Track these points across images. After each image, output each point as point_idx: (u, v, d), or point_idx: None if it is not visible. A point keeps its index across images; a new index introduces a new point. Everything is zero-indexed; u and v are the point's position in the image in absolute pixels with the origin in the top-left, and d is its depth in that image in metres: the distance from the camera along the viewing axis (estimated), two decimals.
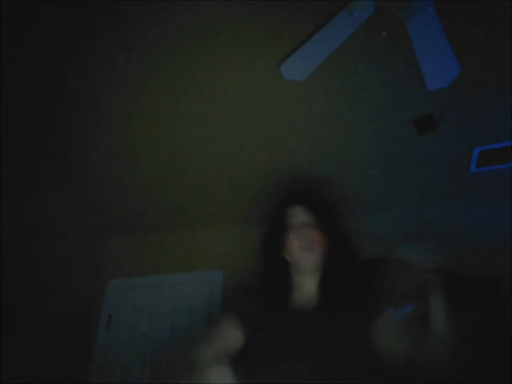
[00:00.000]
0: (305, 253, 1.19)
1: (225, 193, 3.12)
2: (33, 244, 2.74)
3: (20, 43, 2.05)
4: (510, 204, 2.99)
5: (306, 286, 1.19)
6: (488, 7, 1.84)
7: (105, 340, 3.15)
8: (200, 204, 3.25)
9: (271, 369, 1.00)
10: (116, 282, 3.37)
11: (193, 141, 2.68)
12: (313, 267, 1.19)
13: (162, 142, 2.69)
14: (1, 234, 2.43)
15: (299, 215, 1.26)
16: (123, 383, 2.95)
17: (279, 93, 2.33)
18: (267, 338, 1.06)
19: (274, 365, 1.00)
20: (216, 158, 2.81)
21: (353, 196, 3.13)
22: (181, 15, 1.94)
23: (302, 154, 2.77)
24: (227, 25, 1.98)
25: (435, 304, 1.10)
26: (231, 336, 1.13)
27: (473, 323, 2.55)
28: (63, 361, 2.83)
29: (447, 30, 1.76)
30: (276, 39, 2.03)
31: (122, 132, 2.62)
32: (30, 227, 2.72)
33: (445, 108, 2.37)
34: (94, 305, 3.27)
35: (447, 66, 1.92)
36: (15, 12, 1.89)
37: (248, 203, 3.15)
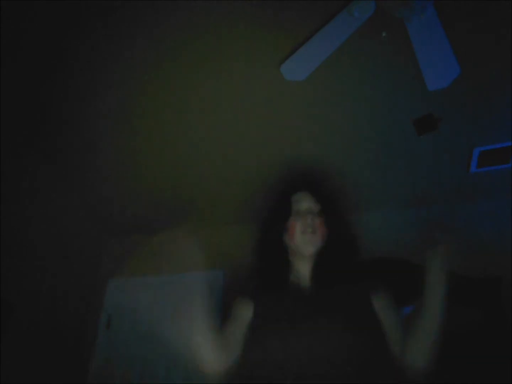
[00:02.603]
0: (307, 237, 1.24)
1: (226, 193, 3.12)
2: (33, 244, 2.74)
3: (20, 43, 2.05)
4: (510, 204, 2.99)
5: (302, 270, 1.25)
6: (488, 8, 1.84)
7: (105, 340, 3.14)
8: (200, 204, 3.25)
9: (275, 340, 1.06)
10: (116, 282, 3.37)
11: (193, 141, 2.68)
12: (312, 252, 1.24)
13: (162, 142, 2.69)
14: (1, 234, 2.44)
15: (305, 201, 1.30)
16: (123, 383, 2.96)
17: (279, 93, 2.33)
18: (269, 314, 1.13)
19: (278, 335, 1.07)
20: (217, 158, 2.81)
21: (353, 196, 3.13)
22: (180, 15, 1.94)
23: (303, 154, 2.77)
24: (227, 25, 1.98)
25: (434, 301, 1.14)
26: (244, 314, 1.20)
27: (473, 323, 2.56)
28: (63, 361, 2.83)
29: (447, 31, 1.76)
30: (276, 39, 2.03)
31: (122, 133, 2.62)
32: (30, 227, 2.72)
33: (445, 108, 2.37)
34: (94, 305, 3.27)
35: (447, 66, 1.92)
36: (15, 12, 1.89)
37: (248, 203, 3.15)
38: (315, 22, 1.91)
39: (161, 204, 3.25)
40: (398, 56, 2.09)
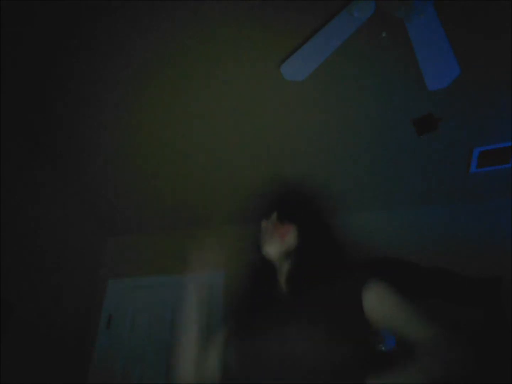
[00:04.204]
0: (265, 245, 1.30)
1: (226, 193, 3.12)
2: (33, 244, 2.74)
3: (20, 44, 2.05)
4: (510, 204, 2.99)
5: (281, 273, 1.29)
6: (488, 7, 1.84)
7: (105, 340, 3.15)
8: (201, 204, 3.25)
9: (253, 342, 1.10)
10: (116, 282, 3.37)
11: (193, 141, 2.68)
12: (274, 256, 1.28)
13: (162, 142, 2.69)
14: (1, 234, 2.44)
15: (272, 217, 1.37)
16: (123, 383, 2.96)
17: (279, 93, 2.33)
18: (251, 320, 1.18)
19: (255, 339, 1.10)
20: (216, 158, 2.81)
21: (353, 196, 3.14)
22: (180, 15, 1.94)
23: (303, 153, 2.77)
24: (227, 25, 1.98)
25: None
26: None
27: (473, 323, 2.55)
28: (63, 361, 2.83)
29: (447, 31, 1.76)
30: (276, 39, 2.03)
31: (122, 133, 2.62)
32: (30, 227, 2.72)
33: (445, 108, 2.37)
34: (94, 305, 3.27)
35: (447, 66, 1.92)
36: (15, 12, 1.89)
37: (248, 203, 3.15)
38: (315, 22, 1.91)
39: (161, 204, 3.25)
40: (398, 56, 2.09)
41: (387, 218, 3.22)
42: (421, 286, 2.78)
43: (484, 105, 2.36)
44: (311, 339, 1.04)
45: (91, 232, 3.41)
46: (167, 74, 2.24)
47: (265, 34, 2.01)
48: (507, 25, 1.91)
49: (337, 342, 1.03)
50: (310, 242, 1.27)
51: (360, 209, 3.20)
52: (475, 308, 2.63)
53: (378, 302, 1.11)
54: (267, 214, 1.40)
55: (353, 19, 1.73)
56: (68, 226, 3.11)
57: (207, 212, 3.33)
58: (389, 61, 2.14)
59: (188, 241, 3.53)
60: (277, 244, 1.28)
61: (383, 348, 2.29)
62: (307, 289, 1.17)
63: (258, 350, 1.08)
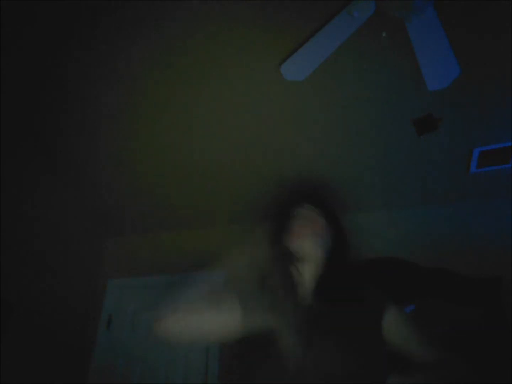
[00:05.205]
0: (300, 239, 1.19)
1: (226, 193, 3.12)
2: (33, 245, 2.74)
3: (20, 44, 2.05)
4: (510, 204, 2.99)
5: (307, 276, 1.19)
6: (488, 7, 1.84)
7: (105, 340, 3.15)
8: (201, 204, 3.25)
9: (269, 364, 1.03)
10: (116, 282, 3.37)
11: (193, 141, 2.68)
12: (307, 253, 1.19)
13: (162, 143, 2.69)
14: (1, 234, 2.44)
15: (303, 211, 1.27)
16: (123, 383, 2.96)
17: (279, 93, 2.32)
18: (267, 332, 1.06)
19: (272, 359, 1.03)
20: (216, 158, 2.81)
21: (353, 196, 3.13)
22: (180, 15, 1.94)
23: (303, 153, 2.77)
24: (227, 25, 1.98)
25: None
26: (227, 313, 1.15)
27: (473, 323, 2.55)
28: (63, 361, 2.83)
29: (447, 31, 1.75)
30: (276, 39, 2.03)
31: (121, 133, 2.62)
32: (29, 228, 2.72)
33: (445, 108, 2.37)
34: (94, 305, 3.27)
35: (447, 66, 1.92)
36: (15, 12, 1.89)
37: (249, 203, 3.15)
38: (315, 22, 1.91)
39: (161, 204, 3.25)
40: (398, 56, 2.09)
41: (387, 218, 3.22)
42: (421, 286, 2.78)
43: (484, 105, 2.35)
44: (333, 350, 1.03)
45: (91, 232, 3.41)
46: (166, 76, 2.23)
47: (265, 34, 2.01)
48: (507, 25, 1.90)
49: (356, 353, 1.04)
50: (342, 246, 1.21)
51: (360, 209, 3.19)
52: (475, 308, 2.63)
53: (393, 327, 1.15)
54: (294, 207, 1.27)
55: (353, 19, 1.73)
56: (68, 226, 3.11)
57: (207, 212, 3.32)
58: (389, 61, 2.14)
59: (188, 241, 3.55)
60: (312, 241, 1.19)
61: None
62: (338, 302, 1.13)
63: (279, 355, 1.02)
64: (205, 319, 1.14)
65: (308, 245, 1.19)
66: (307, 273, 1.19)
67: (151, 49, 2.10)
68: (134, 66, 2.19)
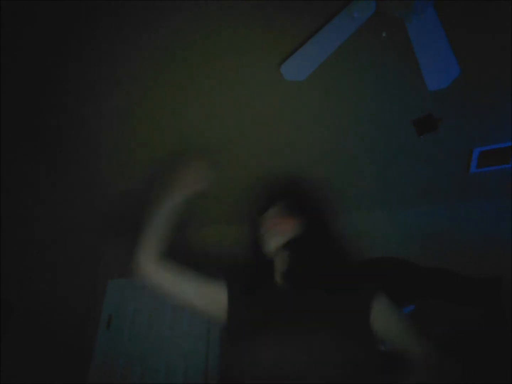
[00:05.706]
0: (265, 239, 1.29)
1: (225, 193, 3.12)
2: (33, 245, 2.74)
3: (20, 43, 2.05)
4: (510, 204, 2.99)
5: (279, 267, 1.28)
6: (488, 8, 1.84)
7: (105, 340, 3.15)
8: (201, 203, 3.25)
9: (249, 341, 1.09)
10: (116, 282, 3.37)
11: (192, 141, 2.68)
12: (273, 250, 1.27)
13: (162, 142, 2.69)
14: (1, 234, 2.44)
15: (270, 211, 1.36)
16: (123, 383, 2.96)
17: (279, 93, 2.33)
18: (246, 315, 1.17)
19: (251, 337, 1.09)
20: (216, 158, 2.81)
21: (353, 195, 3.14)
22: (180, 15, 1.94)
23: (303, 153, 2.77)
24: (227, 25, 1.98)
25: None
26: (215, 289, 1.28)
27: (473, 323, 2.56)
28: (63, 361, 2.83)
29: (447, 31, 1.76)
30: (276, 39, 2.03)
31: (123, 133, 2.62)
32: (30, 228, 2.72)
33: (445, 108, 2.37)
34: (94, 305, 3.27)
35: (447, 66, 1.92)
36: (15, 12, 1.89)
37: (248, 203, 3.15)
38: (315, 22, 1.91)
39: None
40: (398, 56, 2.09)
41: (387, 218, 3.22)
42: (421, 286, 2.78)
43: (484, 105, 2.36)
44: (315, 337, 1.04)
45: (90, 232, 3.41)
46: (167, 75, 2.23)
47: (265, 34, 2.01)
48: (507, 25, 1.90)
49: (342, 342, 1.04)
50: (310, 237, 1.26)
51: (360, 209, 3.20)
52: (475, 308, 2.63)
53: (384, 316, 1.16)
54: (267, 207, 1.38)
55: (353, 19, 1.73)
56: (68, 226, 3.11)
57: (207, 212, 3.32)
58: (389, 61, 2.14)
59: (188, 241, 3.55)
60: (277, 237, 1.27)
61: (382, 348, 2.29)
62: (308, 286, 1.18)
63: (257, 347, 1.06)
64: (191, 282, 1.28)
65: (271, 243, 1.27)
66: (278, 264, 1.28)
67: (151, 49, 2.10)
68: (134, 66, 2.19)
